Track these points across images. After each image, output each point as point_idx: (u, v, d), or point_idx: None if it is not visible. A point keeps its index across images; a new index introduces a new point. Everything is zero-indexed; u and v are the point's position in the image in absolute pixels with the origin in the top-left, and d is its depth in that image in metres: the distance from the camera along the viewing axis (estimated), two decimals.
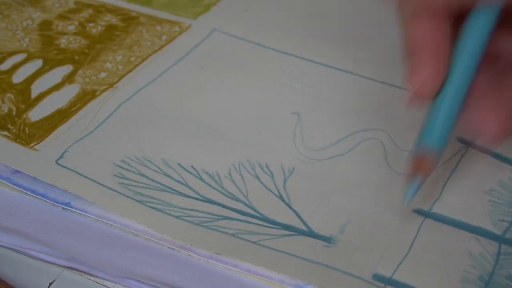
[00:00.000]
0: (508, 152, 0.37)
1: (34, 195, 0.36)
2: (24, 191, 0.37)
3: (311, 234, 0.35)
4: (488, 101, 0.33)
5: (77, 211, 0.36)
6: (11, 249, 0.35)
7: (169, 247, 0.34)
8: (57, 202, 0.36)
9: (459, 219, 0.35)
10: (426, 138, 0.32)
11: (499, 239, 0.34)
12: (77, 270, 0.34)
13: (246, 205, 0.36)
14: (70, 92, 0.41)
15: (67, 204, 0.36)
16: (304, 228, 0.35)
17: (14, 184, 0.37)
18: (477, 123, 0.32)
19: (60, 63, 0.43)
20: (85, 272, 0.34)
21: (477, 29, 0.32)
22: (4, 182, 0.37)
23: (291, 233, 0.35)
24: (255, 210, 0.36)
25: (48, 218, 0.36)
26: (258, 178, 0.37)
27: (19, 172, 0.37)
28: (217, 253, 0.34)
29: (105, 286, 0.34)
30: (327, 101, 0.41)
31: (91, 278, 0.34)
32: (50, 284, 0.34)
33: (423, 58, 0.32)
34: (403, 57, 0.33)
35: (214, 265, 0.34)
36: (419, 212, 0.35)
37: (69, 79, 0.42)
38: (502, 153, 0.38)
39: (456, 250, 0.34)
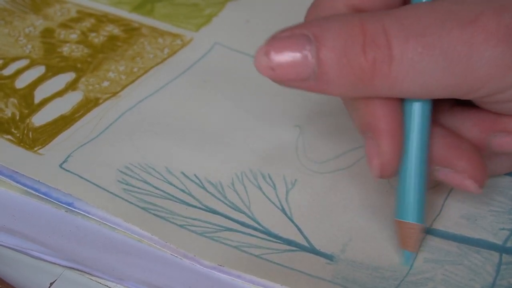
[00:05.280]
0: None
1: (37, 193, 0.36)
2: (27, 189, 0.36)
3: (313, 251, 0.35)
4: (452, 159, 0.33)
5: (80, 211, 0.36)
6: (12, 249, 0.34)
7: (172, 255, 0.34)
8: (61, 202, 0.36)
9: (460, 233, 0.35)
10: (405, 218, 0.33)
11: (500, 249, 0.35)
12: (78, 270, 0.34)
13: (249, 217, 0.36)
14: (73, 99, 0.42)
15: (70, 204, 0.36)
16: (306, 244, 0.35)
17: (17, 182, 0.37)
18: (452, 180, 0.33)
19: (62, 70, 0.43)
20: (86, 272, 0.34)
21: (419, 113, 0.32)
22: (7, 180, 0.37)
23: (293, 248, 0.35)
24: (258, 223, 0.36)
25: (51, 221, 0.36)
26: (260, 188, 0.37)
27: None
28: (220, 265, 0.34)
29: (107, 286, 0.33)
30: (328, 116, 0.41)
31: (92, 278, 0.34)
32: (51, 284, 0.34)
33: (382, 141, 0.32)
34: (359, 131, 0.33)
35: (218, 274, 0.34)
36: None
37: (72, 86, 0.42)
38: None
39: (457, 265, 0.34)
